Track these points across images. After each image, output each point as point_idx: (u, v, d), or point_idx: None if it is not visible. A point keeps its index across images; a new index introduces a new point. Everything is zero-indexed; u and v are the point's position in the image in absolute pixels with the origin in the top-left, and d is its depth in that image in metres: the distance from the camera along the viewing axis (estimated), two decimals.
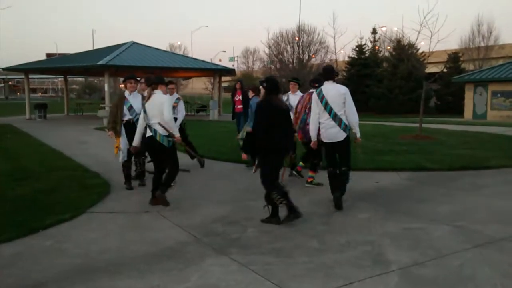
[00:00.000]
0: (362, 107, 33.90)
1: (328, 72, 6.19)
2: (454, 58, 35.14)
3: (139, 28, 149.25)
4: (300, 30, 41.40)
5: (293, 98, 7.92)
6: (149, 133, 6.03)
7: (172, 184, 6.27)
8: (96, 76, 47.04)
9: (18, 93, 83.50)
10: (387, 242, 4.69)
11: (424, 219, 5.50)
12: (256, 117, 5.39)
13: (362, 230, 5.11)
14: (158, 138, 5.94)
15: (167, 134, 5.96)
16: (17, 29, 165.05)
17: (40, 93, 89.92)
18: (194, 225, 5.33)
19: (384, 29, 44.98)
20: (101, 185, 7.37)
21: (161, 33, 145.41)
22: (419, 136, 13.58)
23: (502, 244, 4.62)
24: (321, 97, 6.00)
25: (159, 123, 5.94)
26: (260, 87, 7.84)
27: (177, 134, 6.07)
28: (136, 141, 6.28)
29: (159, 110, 5.90)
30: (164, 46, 62.08)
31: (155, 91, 6.07)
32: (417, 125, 14.64)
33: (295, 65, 39.73)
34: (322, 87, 6.11)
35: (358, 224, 5.35)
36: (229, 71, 28.63)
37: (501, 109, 25.48)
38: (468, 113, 27.06)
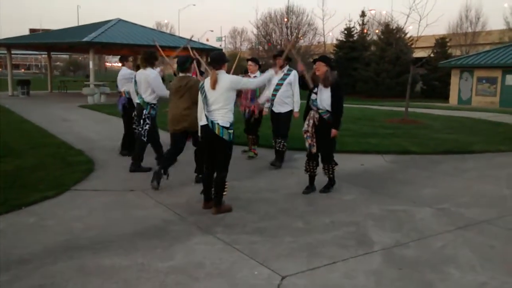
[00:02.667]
0: (349, 90, 34.07)
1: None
2: (441, 43, 35.26)
3: (125, 5, 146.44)
4: (289, 11, 41.13)
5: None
6: (203, 122, 5.01)
7: (225, 192, 5.09)
8: (81, 53, 46.15)
9: (0, 69, 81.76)
10: (371, 223, 4.74)
11: (408, 201, 5.57)
12: (342, 94, 5.66)
13: (346, 211, 5.16)
14: (217, 131, 4.88)
15: (228, 126, 4.93)
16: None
17: (23, 69, 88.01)
18: (180, 204, 5.32)
19: (373, 12, 44.92)
20: (85, 162, 7.30)
21: (148, 11, 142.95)
22: (405, 120, 13.70)
23: (483, 227, 4.71)
24: None
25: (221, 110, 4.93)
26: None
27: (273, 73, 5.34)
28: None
29: (226, 95, 4.91)
30: (150, 24, 61.23)
31: (218, 71, 4.94)
32: (403, 109, 14.74)
33: (283, 47, 39.51)
34: None
35: (342, 205, 5.39)
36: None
37: (486, 95, 25.74)
38: (453, 98, 27.30)
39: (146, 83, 6.76)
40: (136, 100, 7.02)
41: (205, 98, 4.95)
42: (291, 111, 7.19)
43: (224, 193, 5.06)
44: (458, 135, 10.85)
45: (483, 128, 12.75)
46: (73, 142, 9.14)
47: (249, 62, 7.76)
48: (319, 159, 5.87)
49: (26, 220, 4.72)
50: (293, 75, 7.00)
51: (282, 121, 7.17)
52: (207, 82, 4.98)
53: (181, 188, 6.03)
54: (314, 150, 5.73)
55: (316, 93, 5.68)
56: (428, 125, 12.87)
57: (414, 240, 4.31)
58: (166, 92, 6.57)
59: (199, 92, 5.09)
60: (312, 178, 5.95)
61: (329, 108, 5.63)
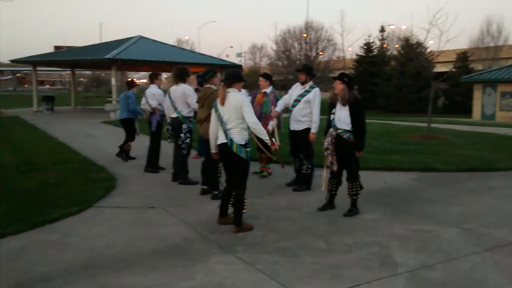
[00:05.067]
0: (370, 105, 33.90)
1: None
2: (463, 58, 34.86)
3: (146, 23, 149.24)
4: (308, 27, 41.19)
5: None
6: (222, 140, 5.03)
7: (244, 210, 5.04)
8: (104, 70, 47.12)
9: (26, 85, 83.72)
10: (395, 244, 4.63)
11: (433, 221, 5.43)
12: (364, 113, 5.61)
13: (369, 231, 5.06)
14: (234, 149, 4.91)
15: (244, 143, 4.98)
16: (26, 21, 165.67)
17: (47, 86, 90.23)
18: (200, 221, 5.30)
19: (392, 27, 44.73)
20: (107, 179, 7.36)
21: (169, 28, 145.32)
22: (427, 136, 13.48)
23: None
24: None
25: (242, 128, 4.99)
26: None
27: (269, 141, 5.27)
28: (213, 146, 5.23)
29: (237, 114, 4.94)
30: (171, 41, 62.13)
31: (229, 89, 5.01)
32: (425, 124, 14.53)
33: (302, 62, 39.56)
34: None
35: (365, 224, 5.29)
36: (236, 67, 28.58)
37: (510, 110, 25.25)
38: (476, 114, 26.86)
39: (182, 99, 6.99)
40: (172, 115, 7.16)
41: (219, 116, 5.02)
42: (307, 130, 6.71)
43: (244, 211, 5.02)
44: (482, 152, 10.62)
45: (508, 144, 12.46)
46: (96, 159, 9.25)
47: (260, 78, 7.68)
48: (343, 178, 5.79)
49: (49, 237, 4.75)
50: (314, 93, 6.70)
51: (301, 141, 6.80)
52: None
53: (201, 205, 6.02)
54: (335, 168, 5.65)
55: (334, 113, 5.62)
56: (451, 141, 12.63)
57: (440, 262, 4.18)
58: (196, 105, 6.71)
59: (213, 110, 5.12)
60: (331, 196, 5.86)
61: (347, 127, 5.52)
